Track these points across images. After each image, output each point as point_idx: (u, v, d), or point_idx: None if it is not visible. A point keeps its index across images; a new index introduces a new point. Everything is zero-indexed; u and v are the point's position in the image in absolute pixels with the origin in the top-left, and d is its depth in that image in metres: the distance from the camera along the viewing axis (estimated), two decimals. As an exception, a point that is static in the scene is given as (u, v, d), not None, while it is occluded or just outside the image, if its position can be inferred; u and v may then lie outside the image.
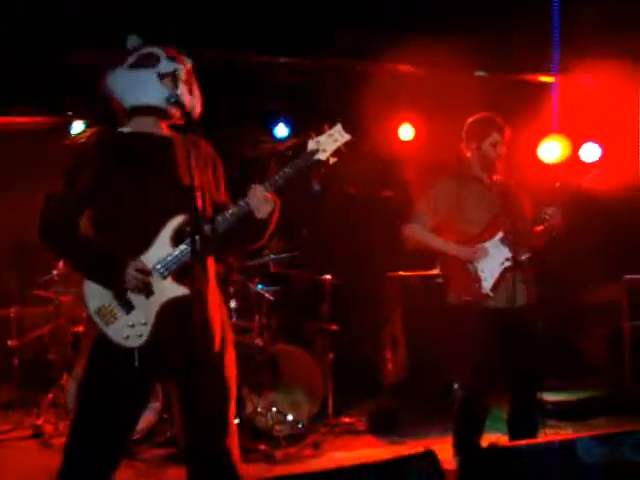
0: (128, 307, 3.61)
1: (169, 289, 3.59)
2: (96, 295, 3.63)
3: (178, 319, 3.54)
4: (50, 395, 7.29)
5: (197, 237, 3.42)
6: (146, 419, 6.32)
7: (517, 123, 7.84)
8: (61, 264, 7.10)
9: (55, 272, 7.13)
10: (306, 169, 3.82)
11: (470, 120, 5.64)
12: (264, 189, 3.70)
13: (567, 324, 8.74)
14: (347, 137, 3.83)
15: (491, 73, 7.87)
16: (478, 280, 5.28)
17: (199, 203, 3.49)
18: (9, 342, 7.60)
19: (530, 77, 8.04)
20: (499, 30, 7.12)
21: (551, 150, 8.17)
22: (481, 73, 7.82)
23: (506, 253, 5.33)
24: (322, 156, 3.81)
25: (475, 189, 5.51)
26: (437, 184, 5.61)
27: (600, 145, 8.21)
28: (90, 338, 3.84)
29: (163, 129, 3.86)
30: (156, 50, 3.81)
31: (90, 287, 3.65)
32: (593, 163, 8.16)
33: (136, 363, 3.61)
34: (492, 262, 5.32)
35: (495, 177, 5.56)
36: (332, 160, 3.83)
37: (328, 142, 3.81)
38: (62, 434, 6.64)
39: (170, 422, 6.52)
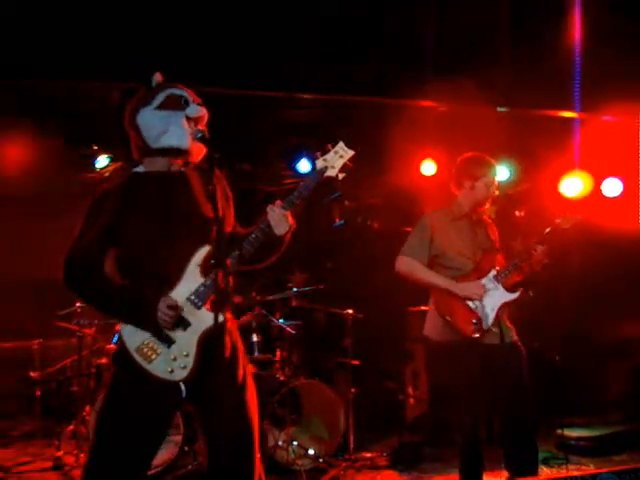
0: (168, 341, 3.65)
1: (205, 318, 3.62)
2: (134, 333, 3.68)
3: (215, 347, 3.58)
4: (71, 427, 7.31)
5: (223, 266, 3.47)
6: (167, 452, 6.32)
7: (539, 158, 7.89)
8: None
9: (78, 304, 7.15)
10: (318, 187, 3.89)
11: (463, 158, 5.60)
12: (282, 208, 3.78)
13: (589, 360, 8.70)
14: (351, 152, 3.93)
15: (513, 109, 7.89)
16: (479, 317, 5.26)
17: (221, 232, 3.53)
18: (32, 374, 7.62)
19: (552, 113, 8.06)
20: (522, 66, 7.15)
21: (573, 185, 8.17)
22: (503, 109, 7.84)
23: (501, 290, 5.34)
24: (331, 172, 3.90)
25: (465, 226, 5.49)
26: (431, 219, 5.54)
27: (622, 180, 8.20)
28: (111, 371, 3.87)
29: (176, 165, 3.92)
30: (184, 94, 3.90)
31: (126, 327, 3.71)
32: (614, 198, 8.16)
33: (183, 395, 3.68)
34: (490, 298, 5.32)
35: (479, 216, 5.56)
36: (341, 175, 3.93)
37: (334, 159, 3.90)
38: (82, 466, 6.65)
39: (192, 455, 6.54)
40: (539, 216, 5.80)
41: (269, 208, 3.79)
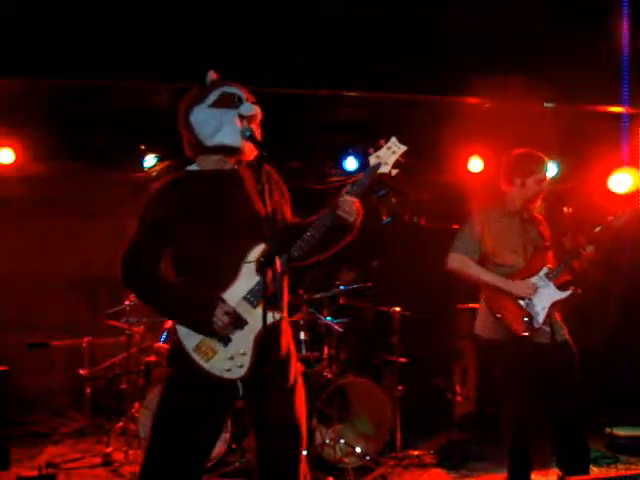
0: (225, 340, 3.67)
1: (262, 317, 3.61)
2: (192, 333, 3.70)
3: (271, 345, 3.64)
4: (120, 424, 7.38)
5: (273, 264, 3.48)
6: (215, 449, 6.35)
7: (587, 154, 7.80)
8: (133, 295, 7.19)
9: (127, 302, 7.20)
10: (372, 184, 3.86)
11: (514, 155, 5.51)
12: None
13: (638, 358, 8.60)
14: (404, 148, 3.85)
15: (561, 104, 7.81)
16: (530, 315, 5.22)
17: (272, 230, 3.54)
18: (81, 371, 7.70)
19: (600, 108, 7.97)
20: (570, 61, 7.08)
21: (622, 181, 8.07)
22: (550, 105, 7.76)
23: (552, 288, 5.29)
24: (384, 169, 3.84)
25: (516, 224, 5.43)
26: (481, 217, 5.48)
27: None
28: (166, 368, 3.90)
29: (228, 163, 3.93)
30: (238, 92, 3.90)
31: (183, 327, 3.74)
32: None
33: (241, 393, 3.71)
34: (541, 296, 5.27)
35: (530, 213, 5.50)
36: (394, 172, 3.87)
37: (387, 155, 3.84)
38: (131, 462, 6.70)
39: (239, 452, 6.57)
40: (588, 213, 5.73)
41: (344, 193, 3.77)
